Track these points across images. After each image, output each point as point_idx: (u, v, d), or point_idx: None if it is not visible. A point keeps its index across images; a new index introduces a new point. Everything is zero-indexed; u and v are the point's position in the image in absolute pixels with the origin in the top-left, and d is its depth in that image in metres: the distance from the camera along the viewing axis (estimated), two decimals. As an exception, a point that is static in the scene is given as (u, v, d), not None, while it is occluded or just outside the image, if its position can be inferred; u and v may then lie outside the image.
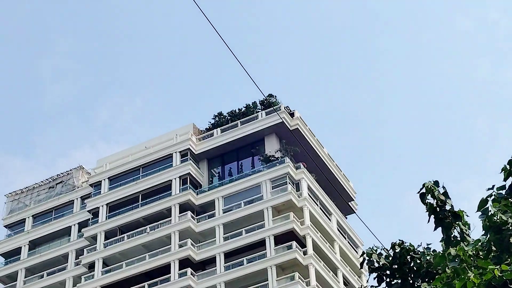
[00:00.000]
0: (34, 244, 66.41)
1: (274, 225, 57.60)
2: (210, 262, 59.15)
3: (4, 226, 68.06)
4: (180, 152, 64.31)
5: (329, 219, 63.31)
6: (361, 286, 16.61)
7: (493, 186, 12.19)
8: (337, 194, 65.16)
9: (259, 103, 64.97)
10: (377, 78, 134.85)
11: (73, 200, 66.84)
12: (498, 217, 11.42)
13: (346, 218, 67.97)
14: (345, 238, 65.45)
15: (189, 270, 57.94)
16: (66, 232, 65.78)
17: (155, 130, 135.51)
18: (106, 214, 64.12)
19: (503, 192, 12.16)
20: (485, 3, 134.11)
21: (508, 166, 11.98)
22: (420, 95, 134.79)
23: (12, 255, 66.47)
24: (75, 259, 63.59)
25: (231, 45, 13.98)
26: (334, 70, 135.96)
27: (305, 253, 56.78)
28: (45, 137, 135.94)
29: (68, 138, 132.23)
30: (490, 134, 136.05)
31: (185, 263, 58.68)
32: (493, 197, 12.04)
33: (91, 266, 62.22)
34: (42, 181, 68.80)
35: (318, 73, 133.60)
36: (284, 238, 57.13)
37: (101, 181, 66.00)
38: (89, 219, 65.02)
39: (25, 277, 64.76)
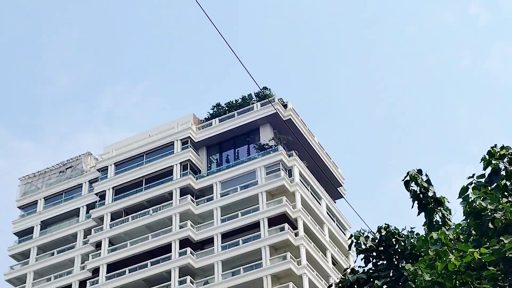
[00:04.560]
0: (46, 224, 68.63)
1: (268, 208, 59.66)
2: (208, 242, 61.11)
3: (18, 207, 70.41)
4: (181, 140, 66.55)
5: (319, 203, 65.67)
6: (349, 266, 16.87)
7: (473, 174, 12.84)
8: (327, 180, 67.50)
9: (255, 95, 67.44)
10: (365, 70, 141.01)
11: (82, 184, 68.95)
12: (478, 204, 11.90)
13: (335, 202, 70.35)
14: (333, 221, 67.73)
15: (188, 249, 60.21)
16: (75, 213, 67.85)
17: (155, 117, 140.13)
18: (112, 196, 66.25)
19: (483, 180, 12.78)
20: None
21: (487, 156, 12.67)
22: (404, 85, 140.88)
23: (25, 234, 68.79)
24: (83, 238, 65.70)
25: (228, 39, 14.28)
26: (323, 64, 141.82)
27: (296, 234, 58.62)
28: (52, 123, 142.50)
29: (74, 123, 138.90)
30: (471, 122, 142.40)
31: (185, 243, 60.84)
32: (473, 185, 12.68)
33: (98, 245, 64.45)
34: (53, 166, 71.17)
35: (308, 67, 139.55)
36: (277, 221, 59.10)
37: (107, 166, 68.28)
38: (97, 201, 66.86)
39: (37, 255, 67.31)
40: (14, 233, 69.56)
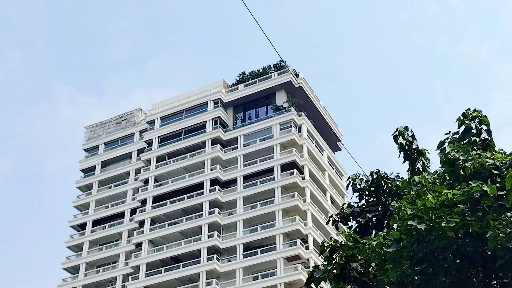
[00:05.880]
0: (105, 164, 68.40)
1: (281, 157, 58.78)
2: (232, 182, 60.31)
3: (84, 149, 70.45)
4: (213, 100, 65.36)
5: (322, 154, 64.88)
6: (345, 202, 15.19)
7: (450, 131, 12.62)
8: (328, 136, 67.28)
9: (273, 66, 65.90)
10: (362, 48, 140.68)
11: (134, 133, 68.21)
12: (452, 155, 11.67)
13: (335, 154, 69.62)
14: (333, 169, 66.95)
15: (217, 187, 59.55)
16: (128, 155, 67.46)
17: (193, 82, 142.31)
18: (158, 143, 65.37)
19: (457, 136, 12.65)
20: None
21: (461, 117, 12.59)
22: (393, 61, 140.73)
23: (89, 171, 68.83)
24: (135, 176, 65.28)
25: (257, 19, 13.13)
26: (329, 42, 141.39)
27: (303, 178, 57.81)
28: (111, 83, 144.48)
29: (128, 84, 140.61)
30: (445, 92, 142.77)
31: (214, 182, 60.20)
32: (449, 139, 12.48)
33: (145, 181, 63.94)
34: (111, 118, 70.49)
35: (316, 45, 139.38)
36: (288, 167, 58.25)
37: (154, 119, 67.26)
38: (145, 147, 66.35)
39: (98, 187, 67.27)
40: (80, 170, 69.78)
